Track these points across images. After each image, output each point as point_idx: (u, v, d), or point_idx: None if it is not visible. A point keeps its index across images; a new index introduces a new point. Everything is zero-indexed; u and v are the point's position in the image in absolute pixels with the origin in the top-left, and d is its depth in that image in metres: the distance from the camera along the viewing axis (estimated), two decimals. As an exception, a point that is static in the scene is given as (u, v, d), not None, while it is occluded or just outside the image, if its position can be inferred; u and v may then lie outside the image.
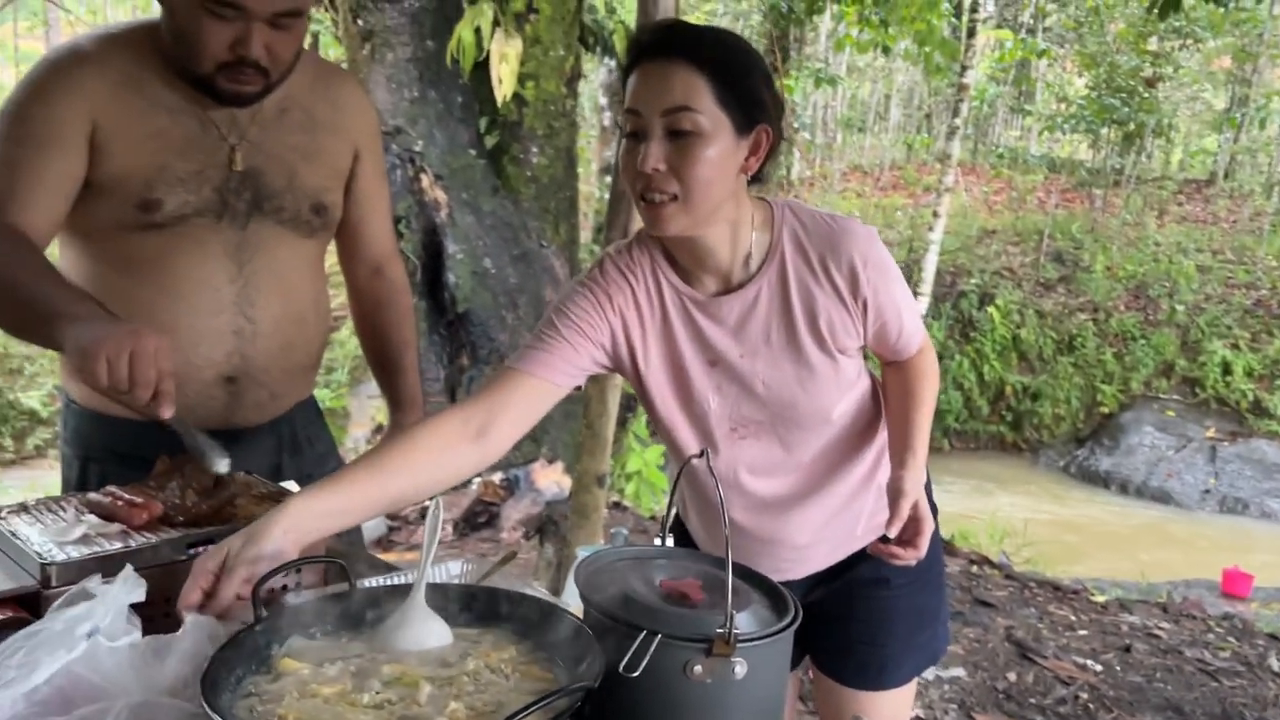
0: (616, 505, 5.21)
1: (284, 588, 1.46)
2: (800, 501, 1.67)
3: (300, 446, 1.96)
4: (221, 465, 1.48)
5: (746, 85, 1.43)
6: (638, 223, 1.58)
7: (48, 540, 1.34)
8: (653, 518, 5.09)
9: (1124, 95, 14.32)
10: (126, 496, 1.44)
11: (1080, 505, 10.54)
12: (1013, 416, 12.68)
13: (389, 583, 1.42)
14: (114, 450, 1.78)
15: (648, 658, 1.08)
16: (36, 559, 1.30)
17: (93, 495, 1.47)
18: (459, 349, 5.57)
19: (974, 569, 4.77)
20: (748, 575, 1.26)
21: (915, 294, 10.18)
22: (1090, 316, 12.73)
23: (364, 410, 8.06)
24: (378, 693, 1.10)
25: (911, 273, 10.41)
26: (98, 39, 1.68)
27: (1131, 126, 14.81)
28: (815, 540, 1.70)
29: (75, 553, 1.32)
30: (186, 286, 1.70)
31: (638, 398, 1.70)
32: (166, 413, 1.41)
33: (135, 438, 1.69)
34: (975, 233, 14.74)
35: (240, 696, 1.09)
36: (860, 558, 1.72)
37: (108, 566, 1.32)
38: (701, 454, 1.31)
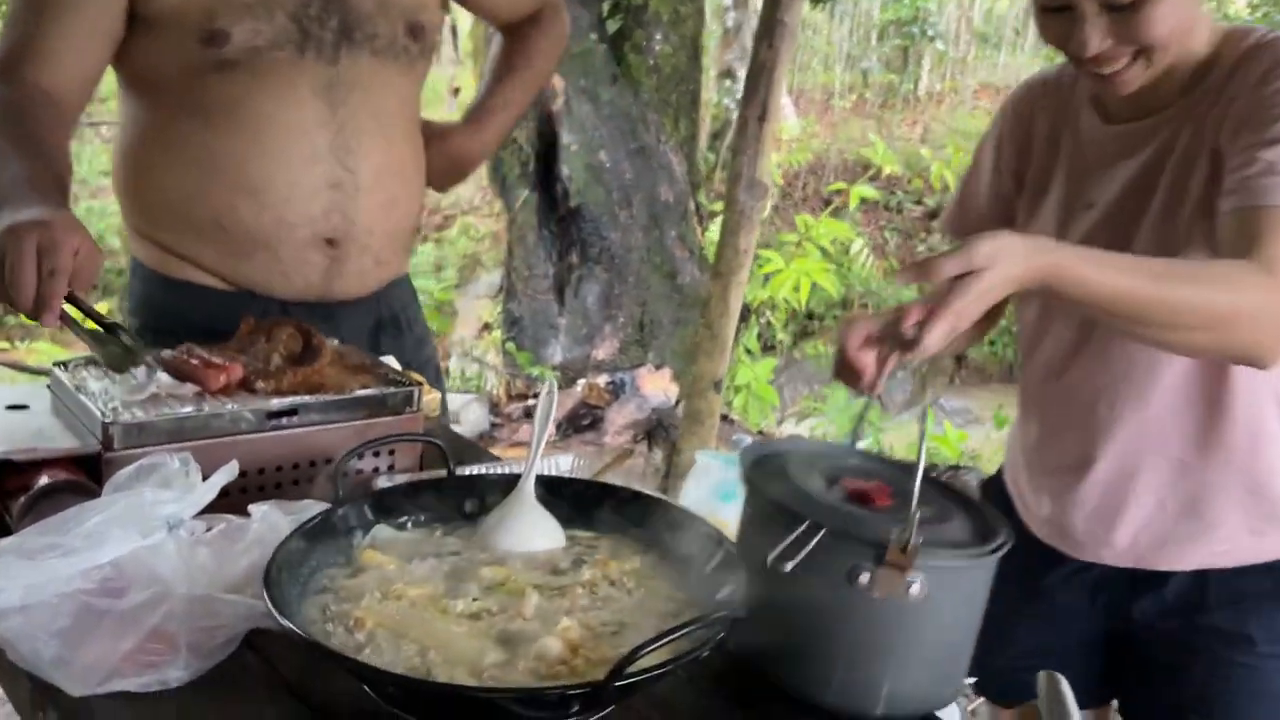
0: (723, 419, 5.01)
1: (374, 470, 1.29)
2: (1116, 421, 1.28)
3: (400, 326, 1.75)
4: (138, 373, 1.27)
5: None
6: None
7: (113, 398, 1.18)
8: (760, 433, 4.88)
9: (1297, 11, 13.09)
10: (204, 356, 1.27)
11: None
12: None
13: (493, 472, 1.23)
14: (187, 319, 1.53)
15: (806, 551, 0.86)
16: (99, 417, 1.14)
17: (167, 353, 1.31)
18: (569, 246, 5.37)
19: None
20: (956, 497, 1.02)
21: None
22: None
23: (471, 310, 7.99)
24: (475, 599, 0.91)
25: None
26: None
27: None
28: (1125, 497, 1.29)
29: (142, 414, 1.15)
30: (273, 134, 1.48)
31: None
32: (48, 321, 1.16)
33: (215, 306, 1.52)
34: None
35: (313, 592, 0.92)
36: (1217, 592, 1.26)
37: (177, 431, 1.16)
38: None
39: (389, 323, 1.71)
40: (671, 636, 0.75)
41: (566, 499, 1.07)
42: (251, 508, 1.05)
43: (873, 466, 1.04)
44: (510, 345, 5.39)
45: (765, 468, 1.00)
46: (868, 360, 1.04)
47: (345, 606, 0.89)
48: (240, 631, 0.95)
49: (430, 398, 1.51)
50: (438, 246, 8.65)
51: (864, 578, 0.86)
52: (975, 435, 5.22)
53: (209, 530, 1.01)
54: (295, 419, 1.24)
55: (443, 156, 1.73)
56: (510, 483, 1.06)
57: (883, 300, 8.67)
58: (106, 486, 0.99)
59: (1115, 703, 1.43)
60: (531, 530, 1.02)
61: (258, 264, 1.53)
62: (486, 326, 6.58)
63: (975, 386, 9.52)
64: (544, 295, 5.32)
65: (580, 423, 4.63)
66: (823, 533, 0.86)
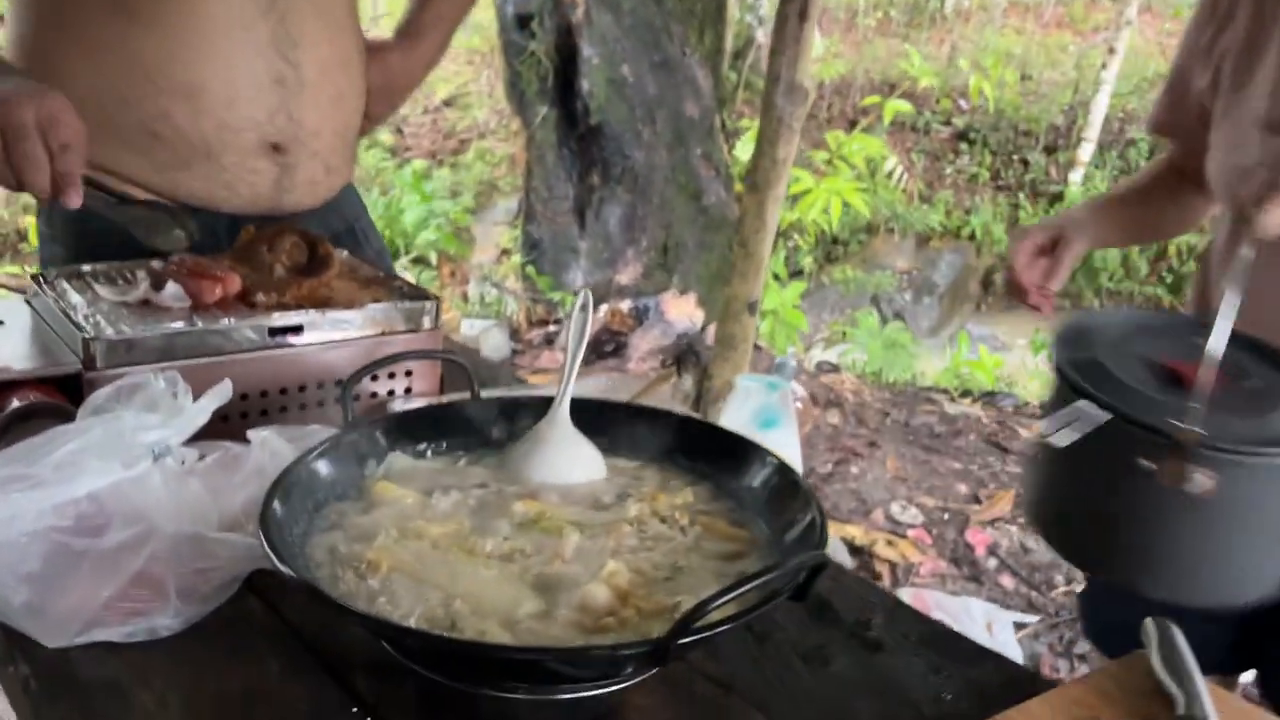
0: (748, 344, 4.86)
1: (389, 394, 1.16)
2: None
3: (358, 239, 1.57)
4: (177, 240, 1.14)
5: None
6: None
7: (96, 312, 1.06)
8: (779, 362, 4.73)
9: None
10: (198, 265, 1.14)
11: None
12: (1173, 278, 11.76)
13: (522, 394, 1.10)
14: (118, 243, 1.29)
15: (1075, 426, 0.79)
16: (79, 333, 1.01)
17: (156, 264, 1.18)
18: (590, 166, 5.17)
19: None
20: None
21: (1079, 140, 9.34)
22: (1274, 172, 11.58)
23: (488, 237, 7.82)
24: (506, 539, 0.79)
25: (1076, 117, 9.53)
26: None
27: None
28: None
29: (128, 329, 1.03)
30: (207, 27, 1.30)
31: None
32: (73, 200, 1.07)
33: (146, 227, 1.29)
34: (1150, 75, 13.40)
35: (319, 530, 0.79)
36: None
37: (168, 349, 1.03)
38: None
39: (345, 236, 1.52)
40: (747, 586, 0.62)
41: (606, 424, 0.94)
42: (250, 434, 0.93)
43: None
44: (530, 269, 5.24)
45: (1083, 334, 0.94)
46: (1035, 274, 0.96)
47: (356, 547, 0.77)
48: (239, 573, 0.84)
49: (450, 316, 1.37)
50: (453, 171, 8.47)
51: (1144, 463, 0.80)
52: (1009, 361, 5.06)
53: (201, 459, 0.89)
54: (300, 336, 1.11)
55: (380, 74, 1.55)
56: (543, 406, 0.94)
57: (909, 224, 8.44)
58: (82, 409, 0.87)
59: (1251, 674, 1.27)
60: (569, 459, 0.89)
61: (197, 176, 1.35)
62: (505, 253, 6.43)
63: (1001, 312, 9.38)
64: (564, 217, 5.14)
65: (603, 349, 4.50)
66: (1108, 414, 0.81)
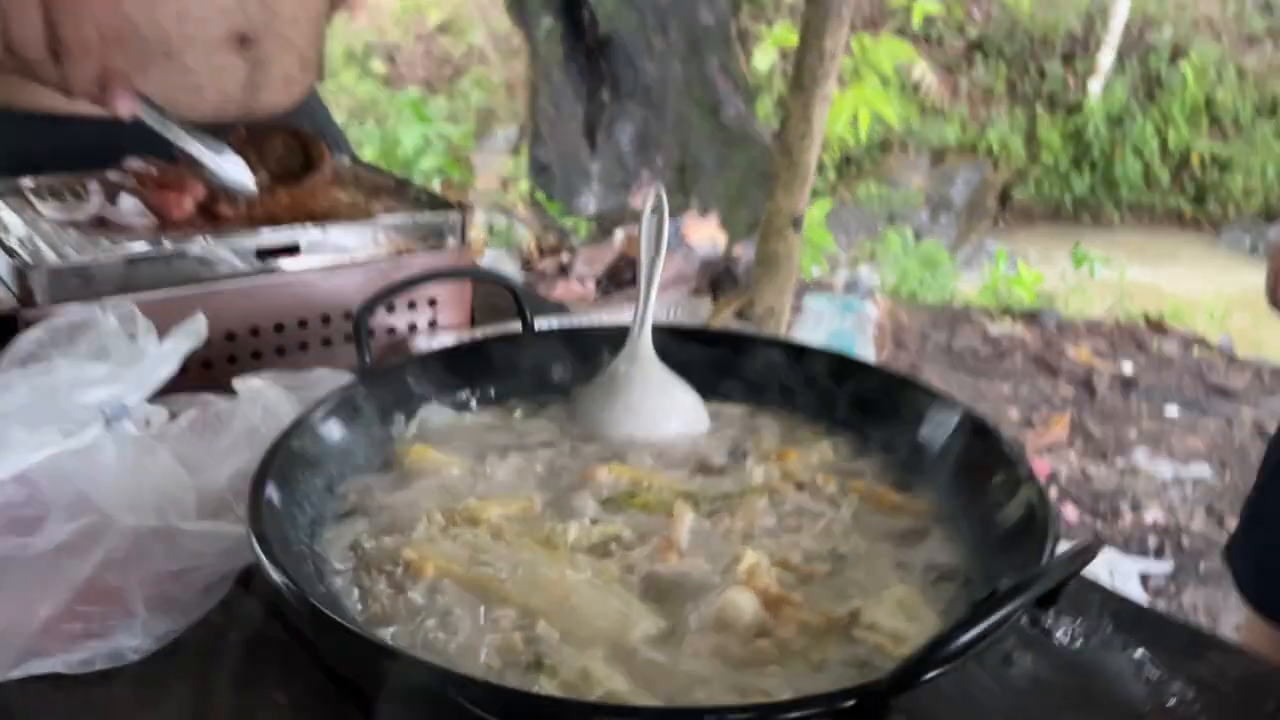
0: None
1: (410, 329, 0.94)
2: None
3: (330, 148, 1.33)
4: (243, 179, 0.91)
5: None
6: None
7: (36, 234, 0.83)
8: (815, 284, 4.49)
9: None
10: (163, 174, 0.90)
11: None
12: (1196, 189, 11.45)
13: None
14: (63, 163, 1.05)
15: None
16: (12, 263, 0.78)
17: (113, 175, 0.94)
18: (599, 82, 4.85)
19: (1195, 352, 4.09)
20: None
21: (1098, 47, 9.00)
22: (1301, 75, 11.19)
23: (488, 167, 7.52)
24: (594, 522, 0.57)
25: (1094, 23, 9.16)
26: None
27: None
28: None
29: (76, 254, 0.80)
30: None
31: None
32: (124, 107, 0.84)
33: (99, 141, 1.09)
34: (1172, -24, 12.94)
35: (334, 518, 0.57)
36: None
37: (128, 279, 0.80)
38: None
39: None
40: (1008, 608, 0.40)
41: (694, 360, 0.71)
42: (237, 383, 0.71)
43: None
44: (540, 195, 4.97)
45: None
46: None
47: (388, 541, 0.55)
48: (230, 570, 0.62)
49: (476, 232, 1.14)
50: (449, 100, 8.14)
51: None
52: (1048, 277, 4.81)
53: (172, 421, 0.67)
54: (297, 259, 0.88)
55: None
56: (616, 338, 0.71)
57: (923, 141, 8.15)
58: (2, 360, 0.64)
59: None
60: (661, 406, 0.67)
61: (155, 78, 1.11)
62: (506, 183, 6.15)
63: (1020, 228, 9.13)
64: (574, 138, 4.85)
65: (621, 278, 4.26)
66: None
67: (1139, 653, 0.62)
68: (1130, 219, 11.66)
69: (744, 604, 0.49)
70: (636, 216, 4.75)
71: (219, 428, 0.69)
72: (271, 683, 0.58)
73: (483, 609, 0.49)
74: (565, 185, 4.98)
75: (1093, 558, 0.43)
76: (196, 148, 0.90)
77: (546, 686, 0.44)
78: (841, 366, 0.67)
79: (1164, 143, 11.62)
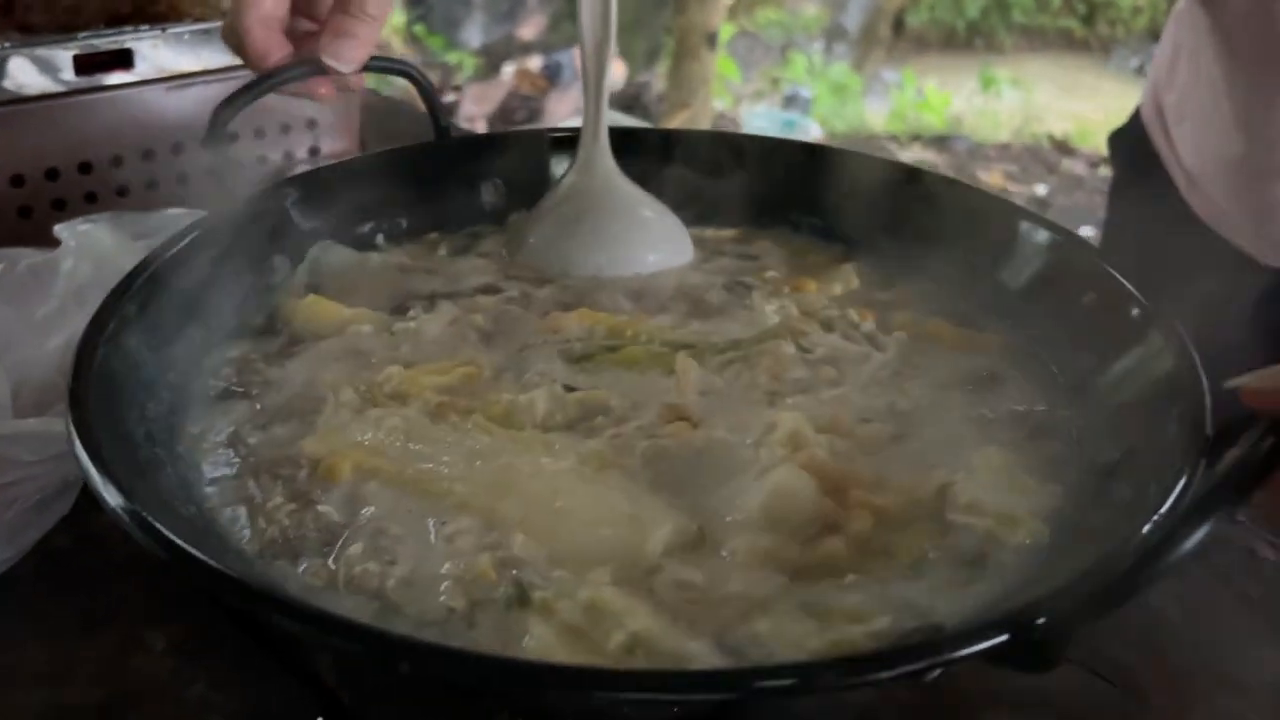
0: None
1: (285, 157, 0.75)
2: None
3: None
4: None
5: None
6: None
7: None
8: (721, 115, 4.27)
9: None
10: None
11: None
12: (1086, 9, 11.50)
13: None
14: None
15: None
16: None
17: None
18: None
19: (1101, 171, 4.07)
20: None
21: None
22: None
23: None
24: (567, 388, 0.41)
25: None
26: None
27: None
28: None
29: None
30: None
31: None
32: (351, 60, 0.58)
33: None
34: None
35: (201, 404, 0.41)
36: None
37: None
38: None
39: None
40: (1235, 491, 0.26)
41: (665, 175, 0.55)
42: (61, 230, 0.53)
43: None
44: (419, 28, 4.58)
45: None
46: None
47: (281, 431, 0.39)
48: (71, 478, 0.46)
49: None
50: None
51: None
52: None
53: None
54: (129, 72, 0.68)
55: None
56: (563, 145, 0.54)
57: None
58: None
59: None
60: (631, 231, 0.51)
61: None
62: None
63: (913, 55, 9.00)
64: None
65: (514, 117, 3.98)
66: None
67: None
68: (1023, 43, 11.66)
69: (799, 487, 0.35)
70: (526, 49, 4.43)
71: (36, 289, 0.51)
72: (141, 621, 0.43)
73: (430, 522, 0.34)
74: (446, 18, 4.60)
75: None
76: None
77: (541, 632, 0.30)
78: (863, 168, 0.52)
79: (1055, -38, 11.57)
